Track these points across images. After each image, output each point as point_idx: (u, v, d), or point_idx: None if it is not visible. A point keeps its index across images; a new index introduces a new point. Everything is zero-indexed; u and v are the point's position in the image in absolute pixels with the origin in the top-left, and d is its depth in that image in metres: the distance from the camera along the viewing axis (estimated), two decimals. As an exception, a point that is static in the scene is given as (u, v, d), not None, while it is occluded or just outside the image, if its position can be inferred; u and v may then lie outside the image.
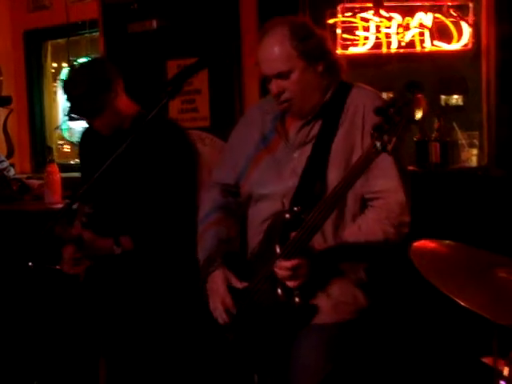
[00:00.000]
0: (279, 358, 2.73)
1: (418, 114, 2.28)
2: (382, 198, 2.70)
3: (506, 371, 2.08)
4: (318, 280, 2.67)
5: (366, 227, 2.68)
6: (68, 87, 3.34)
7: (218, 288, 2.81)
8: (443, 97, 4.44)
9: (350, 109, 2.75)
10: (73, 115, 3.41)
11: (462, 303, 1.99)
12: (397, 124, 2.27)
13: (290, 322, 2.67)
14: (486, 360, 2.32)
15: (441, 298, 2.05)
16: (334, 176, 2.66)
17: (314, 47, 2.71)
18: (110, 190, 3.15)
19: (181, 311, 3.28)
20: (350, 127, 2.73)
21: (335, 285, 2.72)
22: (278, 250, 2.62)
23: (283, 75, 2.68)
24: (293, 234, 2.55)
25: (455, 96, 4.43)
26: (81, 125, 6.23)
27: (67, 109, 3.42)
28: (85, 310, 3.28)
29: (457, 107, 4.44)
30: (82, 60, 6.32)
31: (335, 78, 2.81)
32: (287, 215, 2.64)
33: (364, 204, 2.75)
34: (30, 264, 3.35)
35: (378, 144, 2.31)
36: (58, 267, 3.29)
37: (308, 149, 2.76)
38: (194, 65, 2.69)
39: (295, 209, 2.64)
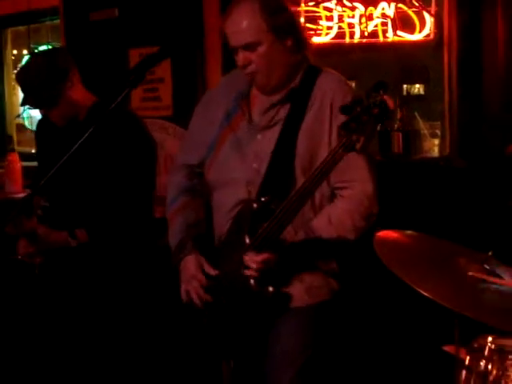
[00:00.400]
0: (256, 344, 2.74)
1: (386, 115, 2.29)
2: (350, 187, 2.70)
3: (467, 360, 2.10)
4: (290, 269, 2.67)
5: (336, 219, 2.68)
6: (22, 77, 3.29)
7: (194, 272, 2.79)
8: (405, 86, 4.45)
9: (317, 94, 2.73)
10: (27, 106, 3.34)
11: (424, 293, 1.99)
12: (365, 123, 2.28)
13: (264, 310, 2.67)
14: (448, 348, 2.34)
15: (403, 288, 2.06)
16: (300, 164, 2.66)
17: (284, 22, 2.69)
18: (65, 181, 3.10)
19: (143, 299, 3.28)
20: (317, 115, 2.71)
21: (307, 272, 2.73)
22: (247, 241, 2.61)
23: (250, 47, 2.66)
24: (262, 225, 2.54)
25: (417, 85, 4.45)
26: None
27: (22, 99, 3.35)
28: (41, 304, 3.27)
29: (418, 96, 4.46)
30: (42, 47, 6.28)
31: (304, 58, 2.79)
32: (255, 205, 2.63)
33: (333, 194, 2.75)
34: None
35: (347, 142, 2.32)
36: (19, 257, 3.25)
37: (272, 132, 2.74)
38: (157, 54, 2.65)
39: (263, 199, 2.62)
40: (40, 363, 3.30)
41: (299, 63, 2.77)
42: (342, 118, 2.36)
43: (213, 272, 2.76)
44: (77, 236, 3.18)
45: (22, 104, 3.34)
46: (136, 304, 3.28)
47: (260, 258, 2.54)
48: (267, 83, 2.74)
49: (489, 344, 2.05)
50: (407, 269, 2.13)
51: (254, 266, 2.56)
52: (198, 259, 2.81)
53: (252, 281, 2.61)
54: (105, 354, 3.24)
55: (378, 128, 3.52)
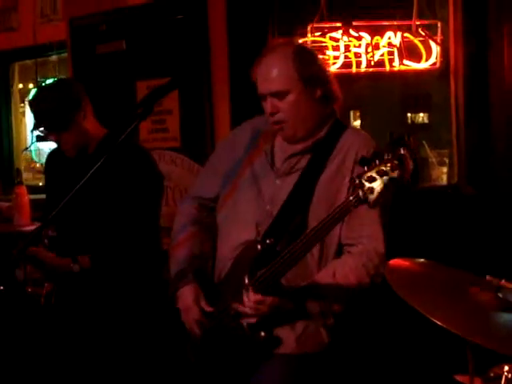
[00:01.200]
0: None
1: (404, 172, 2.27)
2: (361, 244, 2.67)
3: (482, 389, 2.08)
4: (284, 314, 2.64)
5: (341, 274, 2.65)
6: (37, 101, 3.36)
7: (191, 304, 2.78)
8: (409, 115, 4.46)
9: (342, 149, 2.73)
10: (38, 130, 3.37)
11: (436, 321, 1.98)
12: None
13: (252, 353, 2.66)
14: (461, 378, 2.32)
15: (415, 316, 2.05)
16: (315, 213, 2.64)
17: (315, 73, 2.72)
18: (73, 212, 3.12)
19: (142, 328, 3.29)
20: (339, 167, 2.71)
21: (300, 320, 2.70)
22: (246, 281, 2.59)
23: (279, 95, 2.67)
24: (264, 268, 2.53)
25: (421, 114, 4.46)
26: (49, 146, 6.20)
27: (34, 124, 3.39)
28: (47, 333, 3.29)
29: (423, 125, 4.47)
30: (49, 81, 6.30)
31: (332, 111, 2.80)
32: (259, 246, 2.63)
33: (340, 249, 2.73)
34: (1, 288, 3.32)
35: (361, 193, 2.30)
36: (29, 290, 3.26)
37: (291, 179, 2.74)
38: (165, 86, 2.67)
39: (268, 241, 2.62)
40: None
41: (327, 116, 2.78)
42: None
43: (208, 309, 2.75)
44: (79, 262, 3.20)
45: (34, 128, 3.37)
46: (135, 332, 3.29)
47: (258, 298, 2.53)
48: (294, 133, 2.74)
49: (505, 373, 2.04)
50: (419, 297, 2.12)
51: (250, 305, 2.54)
52: (196, 291, 2.80)
53: (244, 324, 2.60)
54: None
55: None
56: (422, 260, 2.42)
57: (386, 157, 2.27)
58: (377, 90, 4.54)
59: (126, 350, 3.27)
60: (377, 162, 2.27)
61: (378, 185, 2.27)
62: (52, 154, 3.64)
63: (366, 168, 2.29)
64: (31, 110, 3.39)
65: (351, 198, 2.34)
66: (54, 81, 3.66)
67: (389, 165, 2.25)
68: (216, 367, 2.73)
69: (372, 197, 2.28)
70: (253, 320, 2.57)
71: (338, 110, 2.85)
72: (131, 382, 3.28)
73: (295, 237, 2.51)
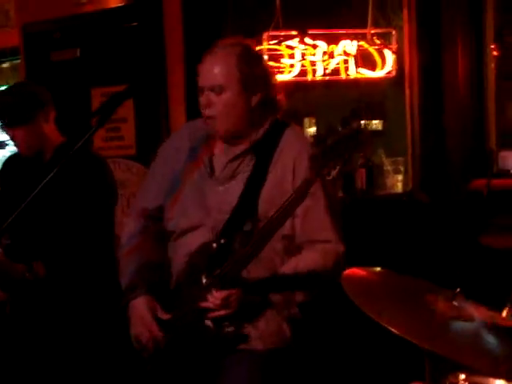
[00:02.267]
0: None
1: (365, 141, 2.28)
2: (320, 245, 2.67)
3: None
4: (248, 309, 2.63)
5: (304, 265, 2.64)
6: (2, 94, 3.40)
7: (143, 316, 2.73)
8: (363, 122, 4.49)
9: (283, 150, 2.71)
10: None
11: (393, 330, 1.99)
12: (342, 150, 2.29)
13: (216, 351, 2.63)
14: (418, 385, 2.32)
15: (372, 324, 2.05)
16: (264, 211, 2.61)
17: (257, 77, 2.68)
18: (27, 219, 3.08)
19: (97, 337, 3.26)
20: (282, 169, 2.68)
21: (262, 318, 2.68)
22: (204, 280, 2.58)
23: (216, 89, 2.64)
24: (221, 266, 2.51)
25: (374, 121, 4.49)
26: (2, 153, 6.14)
27: None
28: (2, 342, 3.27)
29: (377, 132, 4.50)
30: (2, 88, 6.23)
31: (270, 115, 2.77)
32: (214, 245, 2.61)
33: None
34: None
35: (321, 169, 2.32)
36: None
37: (234, 184, 2.71)
38: (122, 93, 2.64)
39: (222, 241, 2.60)
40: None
41: (263, 118, 2.75)
42: (304, 171, 2.41)
43: (165, 316, 2.72)
44: (33, 269, 3.16)
45: None
46: (90, 340, 3.26)
47: (222, 294, 2.51)
48: (224, 132, 2.71)
49: (461, 382, 2.05)
50: (375, 306, 2.12)
51: (216, 303, 2.52)
52: (149, 303, 2.75)
53: (209, 321, 2.58)
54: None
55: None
56: (378, 269, 2.43)
57: (343, 132, 2.28)
58: (332, 98, 4.57)
59: (81, 358, 3.23)
60: (335, 137, 2.29)
61: (338, 160, 2.29)
62: (8, 161, 3.61)
63: (322, 146, 2.30)
64: None
65: (312, 175, 2.35)
66: (21, 81, 3.66)
67: (345, 139, 2.27)
68: (176, 371, 2.69)
69: (334, 171, 2.30)
70: (218, 314, 2.54)
71: (280, 113, 2.82)
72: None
73: (248, 235, 2.52)
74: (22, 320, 3.29)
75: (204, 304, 2.55)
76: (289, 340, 2.73)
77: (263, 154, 2.72)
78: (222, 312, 2.54)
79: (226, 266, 2.51)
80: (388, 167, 4.38)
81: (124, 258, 2.90)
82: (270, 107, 2.76)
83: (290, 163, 2.69)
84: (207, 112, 2.68)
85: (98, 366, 3.27)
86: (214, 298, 2.52)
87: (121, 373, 3.11)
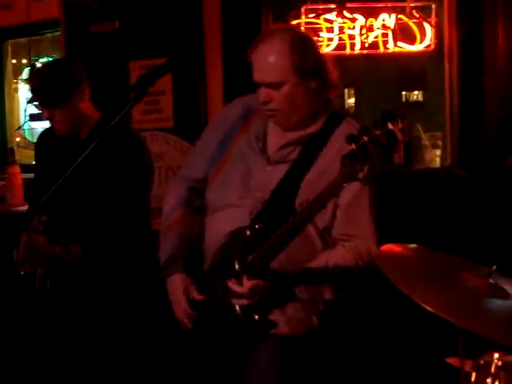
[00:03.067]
0: (233, 370, 2.73)
1: (394, 146, 2.25)
2: (353, 241, 2.66)
3: (473, 377, 2.08)
4: (275, 299, 2.65)
5: (334, 263, 2.64)
6: (36, 76, 3.36)
7: (180, 296, 2.78)
8: (404, 93, 4.46)
9: (334, 142, 2.69)
10: (33, 105, 3.38)
11: (427, 307, 1.99)
12: (370, 153, 2.23)
13: (246, 337, 2.67)
14: (451, 361, 2.32)
15: (406, 301, 2.05)
16: (304, 198, 2.58)
17: (311, 64, 2.66)
18: (65, 197, 3.11)
19: (135, 315, 3.30)
20: (329, 159, 2.65)
21: (291, 305, 2.70)
22: (236, 267, 2.59)
23: (274, 85, 2.63)
24: (254, 252, 2.52)
25: (415, 92, 4.46)
26: (42, 125, 6.19)
27: (30, 98, 3.40)
28: (43, 317, 3.29)
29: (417, 103, 4.47)
30: (43, 60, 6.29)
31: (327, 101, 2.77)
32: (248, 232, 2.61)
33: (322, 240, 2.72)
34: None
35: (350, 171, 2.29)
36: (22, 273, 3.25)
37: (283, 167, 2.71)
38: (158, 70, 2.65)
39: (256, 226, 2.60)
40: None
41: (322, 105, 2.75)
42: None
43: (198, 297, 2.75)
44: (71, 251, 3.19)
45: (29, 102, 3.37)
46: (131, 316, 3.30)
47: (249, 284, 2.52)
48: (286, 122, 2.72)
49: (495, 361, 2.04)
50: (409, 282, 2.12)
51: (241, 291, 2.53)
52: (185, 281, 2.79)
53: (237, 308, 2.60)
54: (101, 368, 3.26)
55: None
56: (413, 245, 2.42)
57: (373, 133, 2.24)
58: (371, 69, 4.54)
59: (120, 336, 3.27)
60: (364, 138, 2.24)
61: (367, 160, 2.24)
62: (43, 135, 3.60)
63: (353, 145, 2.27)
64: (29, 84, 3.38)
65: (341, 175, 2.33)
66: (56, 59, 3.64)
67: (377, 141, 2.23)
68: (209, 353, 2.74)
69: (362, 174, 2.26)
70: (246, 302, 2.57)
71: (335, 97, 2.83)
72: (125, 368, 3.29)
73: (284, 221, 2.49)
74: (62, 296, 3.32)
75: (233, 287, 2.57)
76: (316, 327, 2.75)
77: (314, 144, 2.71)
78: (245, 301, 2.56)
79: (257, 253, 2.52)
80: (426, 142, 4.36)
81: (166, 231, 2.93)
82: (327, 90, 2.75)
83: (339, 156, 2.68)
84: (269, 106, 2.68)
85: (136, 342, 3.31)
86: (243, 287, 2.54)
87: (158, 349, 3.15)
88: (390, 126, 2.25)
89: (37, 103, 3.37)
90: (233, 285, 2.55)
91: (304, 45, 2.68)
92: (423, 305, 1.97)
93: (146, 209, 3.38)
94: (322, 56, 2.78)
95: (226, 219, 2.74)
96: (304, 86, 2.67)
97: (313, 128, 2.73)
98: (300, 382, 2.74)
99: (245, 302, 2.56)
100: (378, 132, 2.24)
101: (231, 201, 2.76)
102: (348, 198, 2.57)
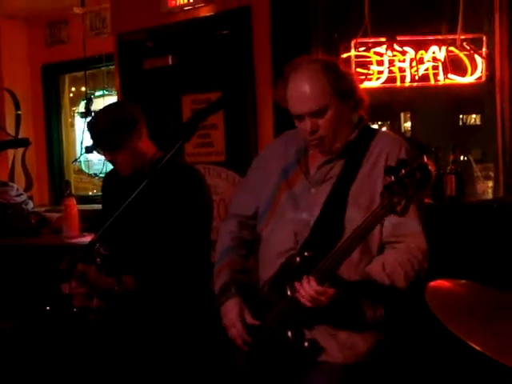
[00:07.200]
0: None
1: (427, 180, 2.28)
2: (404, 242, 2.68)
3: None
4: (335, 311, 2.64)
5: (390, 267, 2.65)
6: (93, 123, 3.42)
7: (234, 322, 2.81)
8: (461, 116, 4.46)
9: (374, 151, 2.73)
10: (95, 151, 3.47)
11: (476, 347, 1.98)
12: (407, 186, 2.28)
13: (296, 362, 2.67)
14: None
15: (456, 340, 2.05)
16: (351, 217, 2.64)
17: (346, 84, 2.72)
18: (125, 231, 3.17)
19: (193, 345, 3.30)
20: (372, 169, 2.71)
21: (343, 331, 2.70)
22: (288, 293, 2.63)
23: (319, 113, 2.67)
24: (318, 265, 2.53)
25: (473, 115, 4.44)
26: (98, 157, 6.31)
27: (91, 145, 3.51)
28: (97, 351, 3.31)
29: (474, 127, 4.43)
30: (99, 93, 6.42)
31: (361, 116, 2.82)
32: (298, 259, 2.64)
33: (381, 249, 2.74)
34: (48, 308, 3.37)
35: (389, 204, 2.33)
36: (74, 310, 3.30)
37: (326, 187, 2.75)
38: (210, 107, 2.72)
39: (306, 253, 2.63)
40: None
41: (358, 121, 2.81)
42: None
43: (252, 322, 2.78)
44: (123, 282, 3.23)
45: (91, 149, 3.44)
46: (184, 350, 3.30)
47: (320, 289, 2.51)
48: (332, 146, 2.75)
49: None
50: (459, 321, 2.11)
51: (311, 294, 2.51)
52: (239, 305, 2.83)
53: (289, 333, 2.63)
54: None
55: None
56: (464, 281, 2.41)
57: (411, 166, 2.27)
58: (427, 94, 4.52)
59: (176, 366, 3.28)
60: (402, 171, 2.28)
61: (404, 194, 2.29)
62: (109, 175, 3.72)
63: (392, 178, 2.30)
64: (88, 130, 3.45)
65: (380, 209, 2.37)
66: (111, 103, 3.72)
67: (414, 174, 2.26)
68: (265, 376, 2.75)
69: (400, 207, 2.30)
70: (307, 304, 2.55)
71: (365, 113, 2.86)
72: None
73: (332, 246, 2.53)
74: (116, 329, 3.34)
75: (297, 286, 2.56)
76: (369, 354, 2.74)
77: (354, 156, 2.75)
78: (309, 304, 2.54)
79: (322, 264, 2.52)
80: (478, 173, 4.33)
81: (218, 271, 2.98)
82: (360, 107, 2.82)
83: (382, 158, 2.71)
84: (317, 135, 2.71)
85: (192, 373, 3.32)
86: (310, 289, 2.52)
87: (215, 374, 3.16)
88: (425, 159, 2.28)
89: (98, 148, 3.45)
90: (303, 284, 2.54)
91: (335, 68, 2.74)
92: (470, 343, 1.97)
93: (205, 244, 3.41)
94: (352, 75, 2.84)
95: (277, 243, 2.79)
96: (345, 106, 2.72)
97: (347, 139, 2.77)
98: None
99: (306, 302, 2.54)
100: (414, 165, 2.27)
101: (282, 227, 2.80)
102: (396, 220, 2.56)
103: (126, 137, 3.34)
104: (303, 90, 2.67)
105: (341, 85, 2.70)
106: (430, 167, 2.27)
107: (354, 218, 2.61)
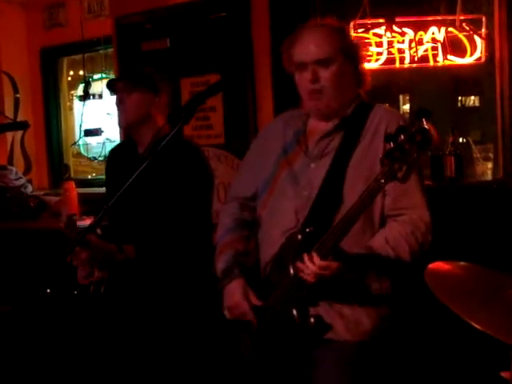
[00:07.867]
0: (295, 376, 2.74)
1: (429, 143, 2.27)
2: (406, 214, 2.68)
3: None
4: (339, 285, 2.65)
5: (393, 240, 2.65)
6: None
7: (239, 302, 2.81)
8: (460, 98, 4.46)
9: (373, 121, 2.73)
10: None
11: (476, 325, 1.99)
12: (408, 151, 2.26)
13: (303, 341, 2.68)
14: (506, 375, 2.31)
15: (457, 318, 2.06)
16: (351, 191, 2.64)
17: (353, 47, 2.76)
18: (127, 205, 3.18)
19: (192, 322, 3.32)
20: (370, 143, 2.71)
21: (348, 307, 2.70)
22: (291, 271, 2.62)
23: (323, 63, 2.68)
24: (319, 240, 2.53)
25: (472, 97, 4.43)
26: (97, 140, 6.31)
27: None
28: (98, 324, 3.36)
29: (473, 108, 4.43)
30: (97, 75, 6.40)
31: (359, 92, 2.82)
32: (299, 236, 2.64)
33: (383, 221, 2.73)
34: (48, 291, 3.37)
35: (389, 171, 2.31)
36: (75, 292, 3.31)
37: (326, 161, 2.75)
38: (209, 89, 2.71)
39: (307, 230, 2.63)
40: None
41: (355, 96, 2.81)
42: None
43: (256, 303, 2.78)
44: (124, 250, 3.23)
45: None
46: (186, 326, 3.32)
47: (323, 264, 2.51)
48: (328, 105, 2.74)
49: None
50: (459, 301, 2.13)
51: (314, 270, 2.51)
52: (243, 286, 2.83)
53: (294, 311, 2.63)
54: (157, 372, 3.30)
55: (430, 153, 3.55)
56: (463, 263, 2.42)
57: (410, 131, 2.26)
58: (426, 76, 4.51)
59: (178, 344, 3.30)
60: (402, 137, 2.27)
61: (405, 160, 2.28)
62: (112, 153, 3.74)
63: (391, 144, 2.29)
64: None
65: (380, 177, 2.36)
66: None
67: (413, 139, 2.25)
68: (270, 358, 2.76)
69: (401, 174, 2.29)
70: (309, 279, 2.56)
71: (365, 90, 2.86)
72: (182, 374, 3.32)
73: (333, 221, 2.54)
74: (116, 301, 3.36)
75: (299, 263, 2.56)
76: (375, 332, 2.74)
77: (352, 129, 2.75)
78: (313, 279, 2.54)
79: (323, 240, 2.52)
80: (477, 155, 4.32)
81: (219, 252, 2.98)
82: (361, 80, 2.82)
83: (380, 135, 2.70)
84: (315, 86, 2.72)
85: (190, 351, 3.33)
86: (313, 265, 2.52)
87: (217, 357, 3.16)
88: (425, 123, 2.26)
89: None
90: (305, 261, 2.54)
91: (343, 29, 2.79)
92: (471, 322, 1.98)
93: (206, 217, 3.41)
94: (360, 43, 2.87)
95: (278, 224, 2.79)
96: (348, 67, 2.74)
97: (344, 113, 2.77)
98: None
99: (308, 277, 2.54)
100: (413, 130, 2.26)
101: (282, 206, 2.80)
102: (397, 186, 2.55)
103: (147, 90, 3.37)
104: (309, 41, 2.71)
105: (348, 45, 2.74)
106: (430, 130, 2.26)
107: (354, 190, 2.60)
